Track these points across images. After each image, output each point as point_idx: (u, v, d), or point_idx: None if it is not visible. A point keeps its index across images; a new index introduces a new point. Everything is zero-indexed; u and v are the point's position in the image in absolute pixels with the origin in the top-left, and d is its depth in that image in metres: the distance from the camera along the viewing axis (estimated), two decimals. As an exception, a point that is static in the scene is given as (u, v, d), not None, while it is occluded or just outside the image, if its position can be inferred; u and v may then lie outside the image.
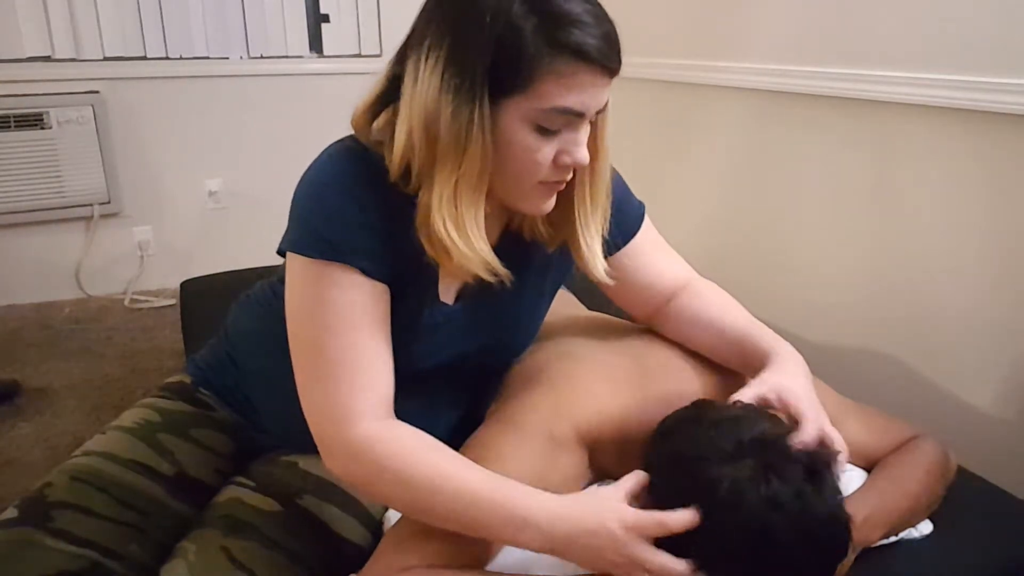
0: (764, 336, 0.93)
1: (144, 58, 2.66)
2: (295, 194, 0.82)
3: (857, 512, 0.86)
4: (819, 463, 0.72)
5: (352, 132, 0.85)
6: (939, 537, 0.96)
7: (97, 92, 2.60)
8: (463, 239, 0.77)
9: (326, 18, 2.88)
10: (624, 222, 0.98)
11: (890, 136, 1.56)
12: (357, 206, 0.79)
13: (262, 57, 2.83)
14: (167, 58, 2.69)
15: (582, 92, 0.74)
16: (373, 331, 0.80)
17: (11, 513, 0.86)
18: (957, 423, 1.46)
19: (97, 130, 2.60)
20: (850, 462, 0.99)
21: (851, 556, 0.85)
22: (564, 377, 0.92)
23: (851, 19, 1.62)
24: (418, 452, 0.77)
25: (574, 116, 0.75)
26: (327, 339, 0.79)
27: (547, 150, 0.76)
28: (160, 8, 2.63)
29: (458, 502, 0.74)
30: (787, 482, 0.69)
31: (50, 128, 2.53)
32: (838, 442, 0.79)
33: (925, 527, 0.96)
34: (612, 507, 0.73)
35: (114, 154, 2.67)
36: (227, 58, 2.78)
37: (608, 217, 0.91)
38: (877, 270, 1.62)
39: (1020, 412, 1.36)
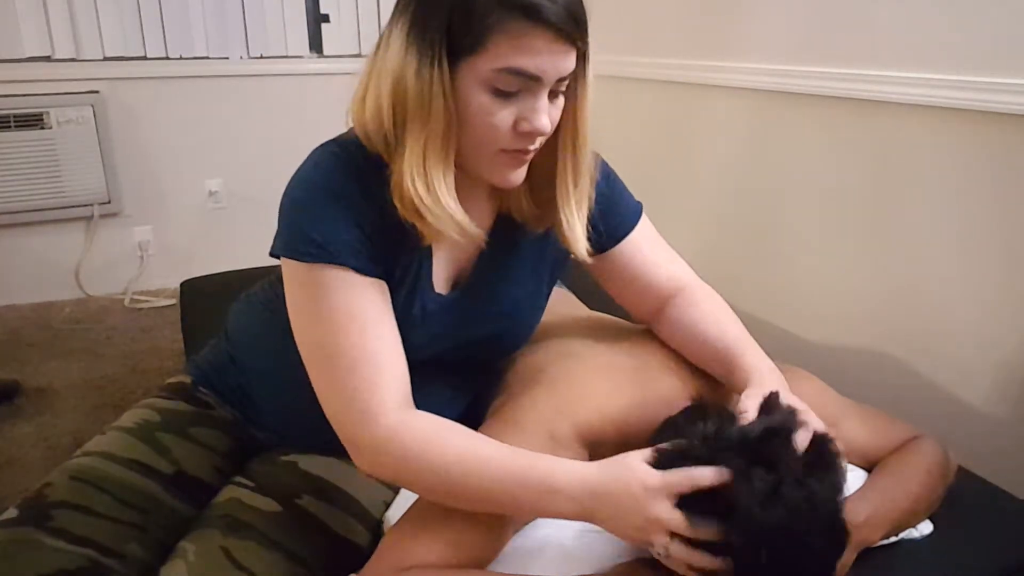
0: (748, 354, 0.92)
1: (144, 58, 2.66)
2: (283, 198, 0.83)
3: (858, 512, 0.86)
4: (823, 461, 0.72)
5: (344, 132, 0.86)
6: (939, 537, 0.96)
7: (97, 92, 2.60)
8: (431, 197, 0.78)
9: (326, 18, 2.88)
10: (620, 219, 0.98)
11: (890, 136, 1.55)
12: (342, 205, 0.80)
13: (262, 57, 2.83)
14: (167, 58, 2.69)
15: (535, 55, 0.74)
16: (378, 325, 0.81)
17: (11, 513, 0.86)
18: (957, 423, 1.46)
19: (97, 130, 2.60)
20: (850, 462, 0.99)
21: (852, 556, 0.85)
22: (564, 377, 0.92)
23: (851, 19, 1.62)
24: (441, 437, 0.79)
25: (529, 79, 0.75)
26: (335, 341, 0.80)
27: (504, 114, 0.77)
28: (160, 8, 2.63)
29: (487, 480, 0.76)
30: (788, 480, 0.69)
31: (50, 128, 2.53)
32: None
33: (925, 527, 0.96)
34: (635, 470, 0.74)
35: (114, 154, 2.67)
36: (227, 58, 2.78)
37: (592, 198, 0.91)
38: (876, 269, 1.62)
39: (1019, 412, 1.36)
